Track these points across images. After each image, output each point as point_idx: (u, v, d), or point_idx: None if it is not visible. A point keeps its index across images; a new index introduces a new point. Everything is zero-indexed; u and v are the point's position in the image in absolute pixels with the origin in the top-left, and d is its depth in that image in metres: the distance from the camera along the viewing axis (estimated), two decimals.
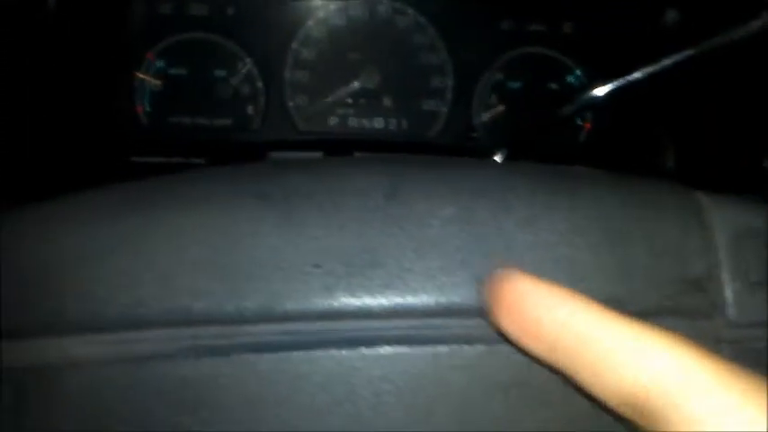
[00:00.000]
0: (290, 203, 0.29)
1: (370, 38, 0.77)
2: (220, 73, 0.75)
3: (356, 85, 0.76)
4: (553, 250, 0.29)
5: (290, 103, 0.76)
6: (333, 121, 0.77)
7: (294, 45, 0.76)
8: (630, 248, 0.30)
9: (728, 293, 0.30)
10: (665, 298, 0.30)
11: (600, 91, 0.61)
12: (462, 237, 0.29)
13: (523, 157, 0.66)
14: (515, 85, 0.79)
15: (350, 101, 0.77)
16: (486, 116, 0.78)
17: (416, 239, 0.28)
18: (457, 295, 0.28)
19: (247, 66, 0.75)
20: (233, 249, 0.28)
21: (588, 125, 0.80)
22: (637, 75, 0.66)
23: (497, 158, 0.58)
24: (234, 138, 0.75)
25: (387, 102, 0.77)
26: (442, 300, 0.27)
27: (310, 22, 0.76)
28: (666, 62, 0.65)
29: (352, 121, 0.77)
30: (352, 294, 0.27)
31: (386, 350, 0.27)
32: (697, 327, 0.30)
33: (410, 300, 0.27)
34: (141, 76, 0.75)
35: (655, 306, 0.30)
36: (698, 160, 0.72)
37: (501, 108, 0.79)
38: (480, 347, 0.28)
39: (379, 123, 0.78)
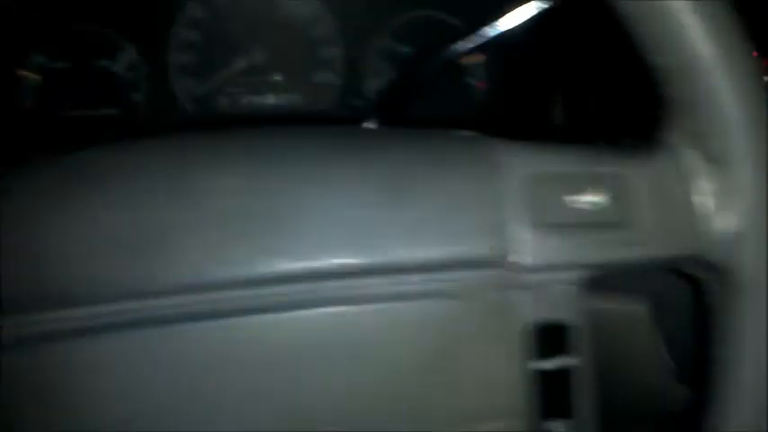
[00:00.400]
0: (78, 186, 0.29)
1: (253, 14, 0.76)
2: (103, 62, 0.74)
3: (243, 63, 0.75)
4: (341, 211, 0.29)
5: (177, 87, 0.75)
6: (223, 101, 0.76)
7: (176, 28, 0.74)
8: (421, 204, 0.30)
9: (524, 238, 0.31)
10: (458, 249, 0.30)
11: (466, 46, 0.61)
12: (246, 206, 0.29)
13: (414, 120, 0.66)
14: (405, 49, 0.78)
15: (239, 79, 0.76)
16: (377, 83, 0.78)
17: (200, 213, 0.28)
18: (238, 267, 0.28)
19: (130, 53, 0.74)
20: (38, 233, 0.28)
21: (481, 84, 0.80)
22: (511, 27, 0.66)
23: (370, 125, 0.58)
24: (121, 126, 0.74)
25: (277, 77, 0.77)
26: (224, 274, 0.28)
27: (191, 3, 0.74)
28: (537, 11, 0.65)
29: (244, 100, 0.77)
30: (133, 273, 0.27)
31: (176, 326, 0.28)
32: (492, 275, 0.31)
33: (190, 277, 0.28)
34: (22, 72, 0.73)
35: (446, 259, 0.30)
36: (585, 111, 0.73)
37: (392, 74, 0.78)
38: (268, 315, 0.28)
39: (271, 99, 0.77)
